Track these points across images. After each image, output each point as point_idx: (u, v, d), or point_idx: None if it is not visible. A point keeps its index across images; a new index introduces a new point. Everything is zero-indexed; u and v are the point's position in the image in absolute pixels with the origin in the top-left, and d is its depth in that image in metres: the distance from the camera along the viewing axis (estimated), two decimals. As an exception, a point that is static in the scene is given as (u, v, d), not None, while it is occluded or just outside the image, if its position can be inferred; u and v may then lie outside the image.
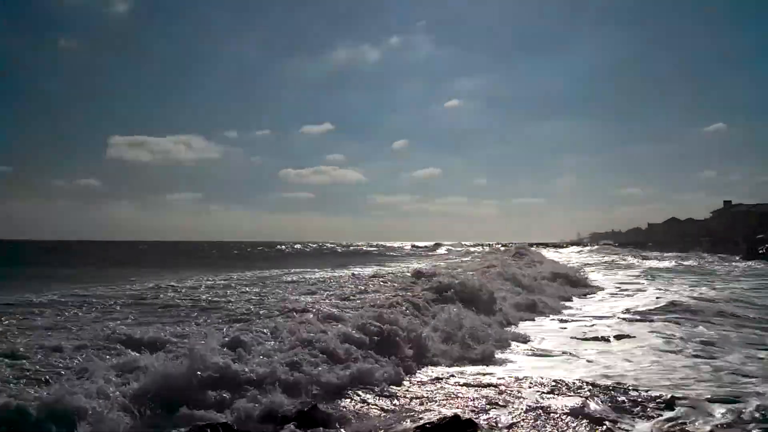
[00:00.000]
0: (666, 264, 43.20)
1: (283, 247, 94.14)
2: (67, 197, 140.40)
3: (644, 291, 21.60)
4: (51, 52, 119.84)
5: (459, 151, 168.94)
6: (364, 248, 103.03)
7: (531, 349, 10.55)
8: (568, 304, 17.89)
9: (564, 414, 6.46)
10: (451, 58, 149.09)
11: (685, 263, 44.38)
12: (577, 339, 11.57)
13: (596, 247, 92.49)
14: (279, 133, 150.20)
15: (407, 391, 7.56)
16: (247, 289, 16.99)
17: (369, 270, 28.60)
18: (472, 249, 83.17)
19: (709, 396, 7.23)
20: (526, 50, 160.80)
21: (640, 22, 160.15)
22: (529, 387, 7.63)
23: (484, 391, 7.45)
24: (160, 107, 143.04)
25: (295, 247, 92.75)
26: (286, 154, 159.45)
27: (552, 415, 6.45)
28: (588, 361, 9.48)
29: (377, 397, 7.18)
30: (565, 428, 6.11)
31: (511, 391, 7.46)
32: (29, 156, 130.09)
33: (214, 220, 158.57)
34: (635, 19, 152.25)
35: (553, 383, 7.75)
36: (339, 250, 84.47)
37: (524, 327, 13.22)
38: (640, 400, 7.05)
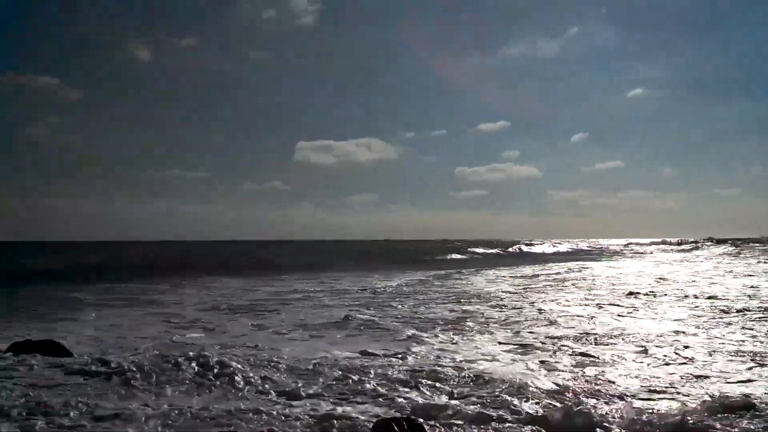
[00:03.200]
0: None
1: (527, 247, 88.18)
2: (256, 199, 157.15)
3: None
4: (244, 65, 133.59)
5: (642, 142, 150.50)
6: (582, 246, 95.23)
7: None
8: None
9: None
10: (633, 45, 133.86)
11: None
12: None
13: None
14: (455, 132, 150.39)
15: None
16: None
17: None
18: (709, 245, 70.67)
19: None
20: (713, 28, 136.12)
21: None
22: None
23: None
24: (343, 112, 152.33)
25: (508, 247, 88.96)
26: (461, 153, 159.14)
27: None
28: None
29: None
30: None
31: None
32: (224, 162, 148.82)
33: (392, 219, 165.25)
34: None
35: None
36: (564, 249, 78.81)
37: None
38: None
